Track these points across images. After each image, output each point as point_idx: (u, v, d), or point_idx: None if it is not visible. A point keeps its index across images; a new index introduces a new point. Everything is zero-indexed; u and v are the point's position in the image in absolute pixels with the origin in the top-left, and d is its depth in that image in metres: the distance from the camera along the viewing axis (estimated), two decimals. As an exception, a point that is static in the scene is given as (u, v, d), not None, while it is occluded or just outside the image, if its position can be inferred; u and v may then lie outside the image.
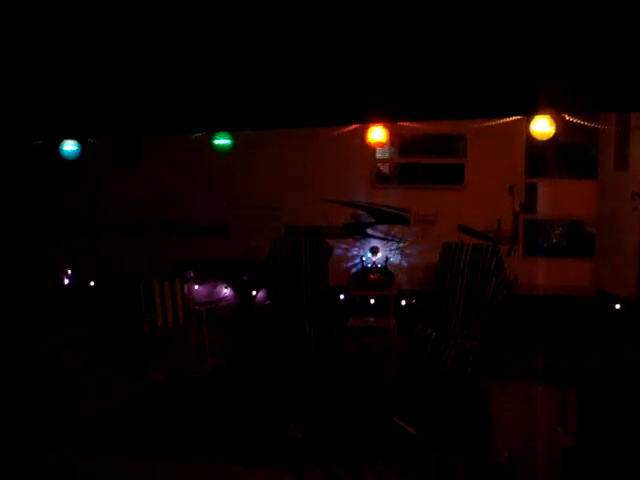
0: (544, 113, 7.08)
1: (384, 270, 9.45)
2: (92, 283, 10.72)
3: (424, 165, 9.92)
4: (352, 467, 4.58)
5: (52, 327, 9.71)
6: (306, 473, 4.44)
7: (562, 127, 7.76)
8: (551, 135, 7.68)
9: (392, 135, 8.75)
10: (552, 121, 7.53)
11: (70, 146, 9.24)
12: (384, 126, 8.00)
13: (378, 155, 9.91)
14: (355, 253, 9.79)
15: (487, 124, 7.74)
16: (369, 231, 9.80)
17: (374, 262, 9.51)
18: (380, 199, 9.76)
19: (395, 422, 4.73)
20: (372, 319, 9.18)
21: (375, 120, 7.50)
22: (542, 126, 7.56)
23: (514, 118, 7.64)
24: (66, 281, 10.87)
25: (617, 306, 8.76)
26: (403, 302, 9.48)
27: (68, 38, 6.31)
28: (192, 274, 9.79)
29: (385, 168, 10.34)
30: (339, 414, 4.96)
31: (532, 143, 8.74)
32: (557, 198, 9.37)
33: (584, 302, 9.07)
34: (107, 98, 6.79)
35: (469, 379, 7.43)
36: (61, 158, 9.50)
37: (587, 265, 9.39)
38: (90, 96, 6.79)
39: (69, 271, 10.87)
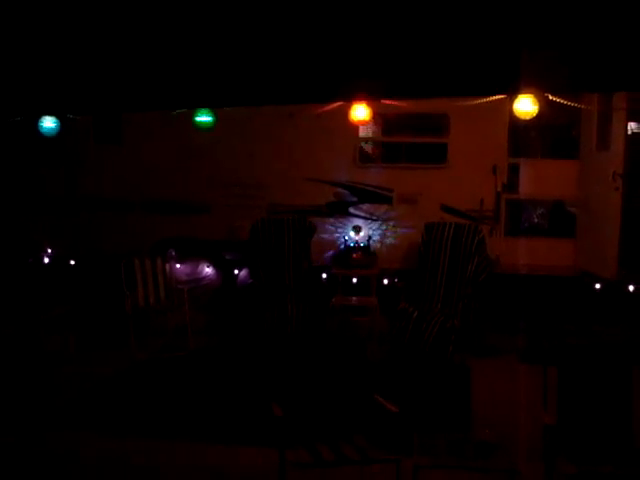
0: (527, 92, 7.07)
1: (367, 249, 9.45)
2: (72, 262, 10.63)
3: (407, 144, 9.90)
4: (333, 444, 4.59)
5: (32, 307, 9.63)
6: (288, 451, 4.44)
7: (545, 107, 7.75)
8: (534, 115, 7.67)
9: (375, 114, 8.69)
10: (535, 101, 7.52)
11: (49, 123, 9.11)
12: (367, 104, 7.95)
13: (361, 134, 9.88)
14: (338, 232, 9.78)
15: (470, 103, 7.70)
16: (352, 210, 9.78)
17: (357, 241, 9.51)
18: (363, 178, 9.73)
19: (376, 400, 4.74)
20: (354, 298, 9.20)
21: (358, 98, 7.45)
22: (525, 105, 7.54)
23: (497, 97, 7.62)
24: (46, 260, 10.77)
25: (597, 285, 8.82)
26: (385, 281, 9.48)
27: (46, 12, 6.21)
28: (174, 253, 9.74)
29: (368, 147, 10.32)
30: (320, 392, 4.96)
31: (515, 123, 8.75)
32: (539, 178, 9.40)
33: (565, 281, 9.14)
34: (87, 73, 6.70)
35: (451, 357, 7.47)
36: (40, 135, 9.37)
37: (568, 245, 9.45)
38: (69, 71, 6.70)
39: (49, 250, 10.77)
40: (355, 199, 9.76)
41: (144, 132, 9.94)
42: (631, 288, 8.62)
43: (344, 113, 8.13)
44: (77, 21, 6.24)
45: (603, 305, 8.68)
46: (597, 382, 4.78)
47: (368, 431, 4.79)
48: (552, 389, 4.81)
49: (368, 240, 9.52)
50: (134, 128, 10.07)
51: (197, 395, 6.87)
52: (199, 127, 8.95)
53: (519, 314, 8.24)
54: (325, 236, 9.73)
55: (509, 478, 4.60)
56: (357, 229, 9.57)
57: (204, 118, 8.83)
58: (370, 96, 7.17)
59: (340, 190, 9.77)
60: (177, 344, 8.27)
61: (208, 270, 10.24)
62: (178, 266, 9.94)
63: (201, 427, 6.12)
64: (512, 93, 7.07)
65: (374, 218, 9.73)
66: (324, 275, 9.58)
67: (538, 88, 6.64)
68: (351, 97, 7.30)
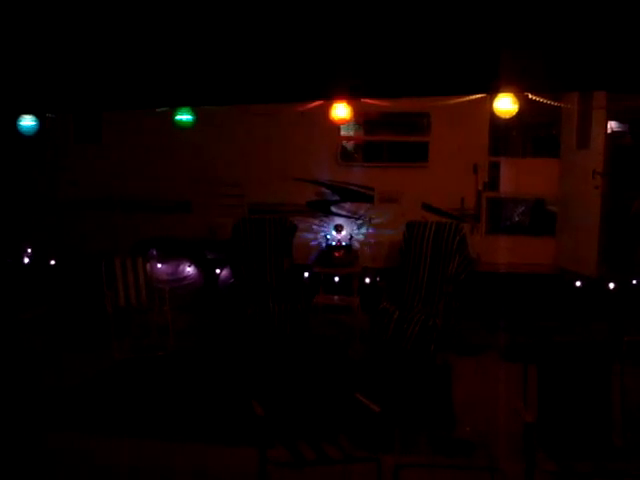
0: (506, 91, 7.10)
1: (348, 248, 9.45)
2: (53, 262, 10.55)
3: (389, 143, 9.92)
4: (315, 444, 4.59)
5: (12, 307, 9.55)
6: (269, 450, 4.43)
7: (525, 106, 7.79)
8: (514, 113, 7.70)
9: (357, 112, 8.70)
10: (515, 99, 7.55)
11: (28, 122, 9.03)
12: (348, 103, 7.96)
13: (343, 132, 9.88)
14: (320, 231, 9.77)
15: (451, 102, 7.73)
16: (333, 209, 9.78)
17: (338, 240, 9.50)
18: (345, 177, 9.73)
19: (358, 399, 4.74)
20: (336, 297, 9.19)
21: (338, 96, 7.45)
22: (505, 104, 7.57)
23: (478, 96, 7.65)
24: (26, 260, 10.68)
25: (578, 283, 8.88)
26: (367, 280, 9.49)
27: (25, 12, 6.16)
28: (155, 252, 9.69)
29: (350, 145, 10.32)
30: (302, 391, 4.96)
31: (496, 122, 8.77)
32: (520, 177, 9.44)
33: (546, 279, 9.18)
34: (67, 72, 6.66)
35: (432, 356, 7.48)
36: (19, 134, 9.29)
37: (549, 243, 9.50)
38: (49, 70, 6.66)
39: (29, 250, 10.68)
40: (337, 198, 9.76)
41: (124, 131, 9.88)
42: (611, 285, 8.69)
43: (325, 111, 8.13)
44: (57, 21, 6.20)
45: (583, 302, 8.74)
46: (577, 379, 4.80)
47: (350, 430, 4.78)
48: (532, 387, 4.83)
49: (350, 239, 9.52)
50: (114, 127, 10.01)
51: (178, 395, 6.84)
52: (179, 126, 8.92)
53: (500, 312, 8.27)
54: (307, 235, 9.72)
55: (490, 476, 4.62)
56: (339, 228, 9.56)
57: (184, 117, 8.80)
58: (351, 95, 7.18)
59: (322, 189, 9.76)
60: (158, 344, 8.22)
61: (189, 270, 10.20)
62: (159, 266, 9.89)
63: (182, 426, 6.10)
64: (492, 92, 7.11)
65: (356, 217, 9.73)
66: (306, 274, 9.57)
67: (518, 87, 6.67)
68: (332, 96, 7.31)
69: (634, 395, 4.81)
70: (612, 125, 8.91)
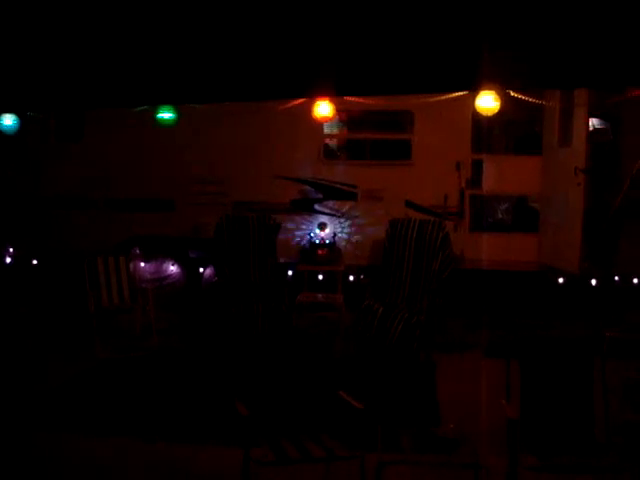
0: (488, 88, 7.13)
1: (332, 246, 9.46)
2: (35, 261, 10.48)
3: (372, 141, 9.94)
4: (299, 442, 4.58)
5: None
6: (253, 450, 4.42)
7: (507, 103, 7.82)
8: (496, 111, 7.73)
9: (340, 110, 8.71)
10: (497, 97, 7.58)
11: (9, 120, 8.97)
12: (330, 101, 7.96)
13: (326, 130, 9.89)
14: (303, 229, 9.76)
15: (434, 100, 7.75)
16: (317, 207, 9.78)
17: (322, 238, 9.50)
18: (328, 175, 9.73)
19: (341, 396, 4.74)
20: (320, 295, 9.20)
21: (320, 94, 7.45)
22: (487, 102, 7.61)
23: (460, 94, 7.67)
24: (7, 260, 10.60)
25: (560, 280, 8.92)
26: (351, 277, 9.51)
27: (6, 11, 6.11)
28: (138, 251, 9.64)
29: (333, 143, 10.32)
30: (285, 389, 4.95)
31: (478, 119, 8.80)
32: (502, 174, 9.48)
33: (529, 276, 9.23)
34: (48, 70, 6.61)
35: (416, 352, 7.50)
36: (0, 133, 9.23)
37: (532, 240, 9.55)
38: (30, 68, 6.61)
39: (10, 249, 10.60)
40: (320, 196, 9.76)
41: (106, 130, 9.84)
42: (593, 282, 8.74)
43: (308, 109, 8.13)
44: (37, 19, 6.15)
45: (566, 299, 8.78)
46: (559, 375, 4.82)
47: (333, 428, 4.78)
48: (515, 383, 4.85)
49: (333, 237, 9.53)
50: (96, 126, 9.95)
51: (162, 394, 6.81)
52: (161, 124, 8.88)
53: (483, 309, 8.30)
54: (290, 233, 9.72)
55: (473, 472, 4.63)
56: (322, 226, 9.56)
57: (166, 115, 8.77)
58: (332, 93, 7.18)
59: (305, 187, 9.77)
60: (142, 343, 8.18)
61: (173, 268, 10.16)
62: (142, 264, 9.84)
63: (166, 426, 6.07)
64: (474, 90, 7.13)
65: (339, 215, 9.73)
66: (290, 272, 9.56)
67: (499, 84, 6.70)
68: (313, 93, 7.31)
69: (615, 391, 4.83)
70: (594, 122, 8.95)
